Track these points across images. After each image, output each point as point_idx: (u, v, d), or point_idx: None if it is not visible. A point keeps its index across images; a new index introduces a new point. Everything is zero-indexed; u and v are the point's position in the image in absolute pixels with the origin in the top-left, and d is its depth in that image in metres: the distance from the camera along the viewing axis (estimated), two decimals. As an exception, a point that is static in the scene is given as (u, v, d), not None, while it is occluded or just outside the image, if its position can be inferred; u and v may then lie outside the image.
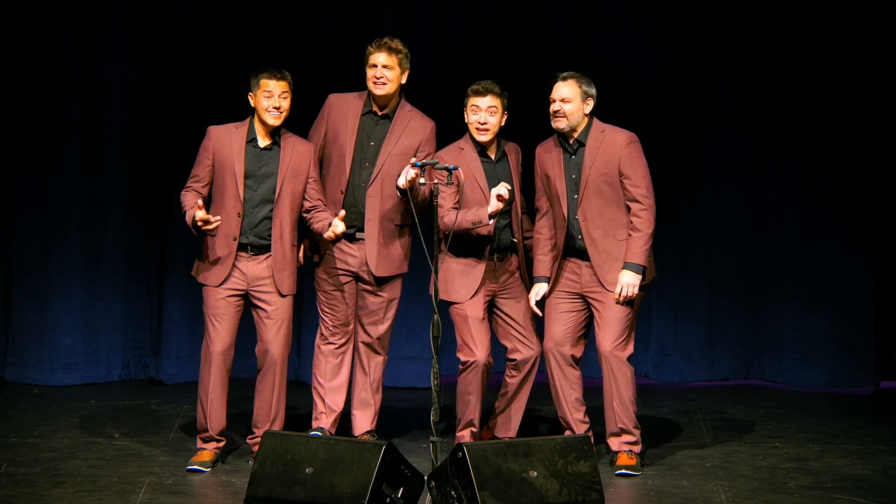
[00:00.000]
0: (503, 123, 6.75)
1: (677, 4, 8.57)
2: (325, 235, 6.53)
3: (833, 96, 8.51)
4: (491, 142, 6.75)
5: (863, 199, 8.53)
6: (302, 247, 6.83)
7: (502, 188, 6.48)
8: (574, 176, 6.63)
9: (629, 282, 6.55)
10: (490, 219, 6.55)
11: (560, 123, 6.62)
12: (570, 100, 6.60)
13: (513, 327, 6.82)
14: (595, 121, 6.68)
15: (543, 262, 6.76)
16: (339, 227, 6.48)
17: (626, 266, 6.55)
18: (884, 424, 7.64)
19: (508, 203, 6.64)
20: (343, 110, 6.85)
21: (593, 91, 6.65)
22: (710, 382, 8.70)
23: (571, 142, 6.64)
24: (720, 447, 7.11)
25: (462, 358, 6.74)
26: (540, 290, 6.75)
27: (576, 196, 6.61)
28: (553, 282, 6.72)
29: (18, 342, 8.61)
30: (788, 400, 8.27)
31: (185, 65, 8.54)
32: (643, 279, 6.59)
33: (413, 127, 6.82)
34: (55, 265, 8.56)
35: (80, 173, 8.54)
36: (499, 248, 6.76)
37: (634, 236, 6.56)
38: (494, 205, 6.50)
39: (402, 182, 6.55)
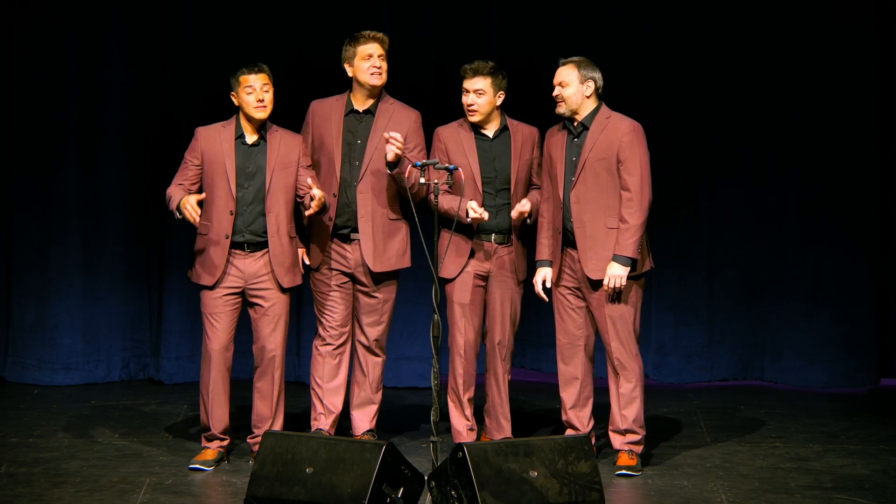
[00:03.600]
0: (498, 103, 6.77)
1: (678, 4, 8.57)
2: (310, 210, 6.54)
3: (833, 96, 8.51)
4: (485, 120, 6.77)
5: (863, 199, 8.53)
6: (301, 252, 6.81)
7: (475, 212, 6.56)
8: (574, 158, 6.61)
9: (616, 273, 6.50)
10: (468, 218, 6.62)
11: (559, 108, 6.63)
12: (567, 83, 6.59)
13: (488, 314, 6.87)
14: (604, 107, 6.65)
15: (545, 245, 6.75)
16: (316, 194, 6.49)
17: (615, 258, 6.51)
18: (884, 424, 7.64)
19: (505, 184, 6.72)
20: (325, 114, 6.84)
21: (595, 74, 6.62)
22: (711, 383, 8.70)
23: (576, 125, 6.63)
24: (720, 447, 7.11)
25: (450, 341, 6.85)
26: (546, 273, 6.73)
27: (573, 178, 6.60)
28: (557, 273, 6.70)
29: (19, 342, 8.61)
30: (788, 400, 8.27)
31: (184, 65, 8.54)
32: (634, 269, 6.54)
33: (397, 119, 6.81)
34: (55, 265, 8.56)
35: (80, 173, 8.54)
36: (497, 229, 6.77)
37: (622, 228, 6.51)
38: (471, 215, 6.59)
39: (389, 156, 6.56)
